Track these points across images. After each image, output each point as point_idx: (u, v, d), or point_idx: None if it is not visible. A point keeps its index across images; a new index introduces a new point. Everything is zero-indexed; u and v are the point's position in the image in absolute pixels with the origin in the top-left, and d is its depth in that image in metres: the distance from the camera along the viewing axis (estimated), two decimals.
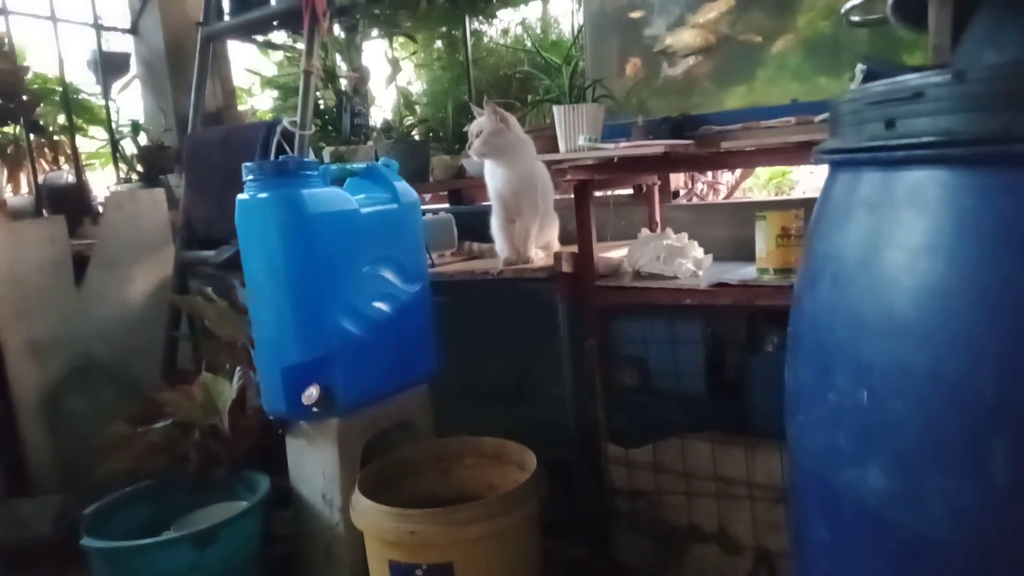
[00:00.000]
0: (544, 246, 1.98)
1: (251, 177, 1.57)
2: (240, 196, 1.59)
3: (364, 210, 1.68)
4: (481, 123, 1.77)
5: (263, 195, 1.55)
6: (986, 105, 0.61)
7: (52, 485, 2.25)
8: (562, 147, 1.73)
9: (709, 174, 2.52)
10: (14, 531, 2.05)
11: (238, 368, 1.91)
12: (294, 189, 1.56)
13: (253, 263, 1.62)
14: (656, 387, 1.85)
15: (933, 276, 0.64)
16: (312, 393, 1.60)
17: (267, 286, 1.60)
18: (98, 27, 2.99)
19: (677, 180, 2.38)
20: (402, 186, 1.81)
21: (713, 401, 1.77)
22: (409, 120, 3.05)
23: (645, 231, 1.91)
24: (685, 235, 1.85)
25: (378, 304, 1.71)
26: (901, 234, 0.67)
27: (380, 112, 3.15)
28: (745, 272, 1.68)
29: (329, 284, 1.60)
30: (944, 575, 0.64)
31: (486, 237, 2.05)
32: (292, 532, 1.83)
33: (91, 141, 3.47)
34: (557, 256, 1.80)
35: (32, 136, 2.89)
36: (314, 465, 1.73)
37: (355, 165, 1.82)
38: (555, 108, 1.69)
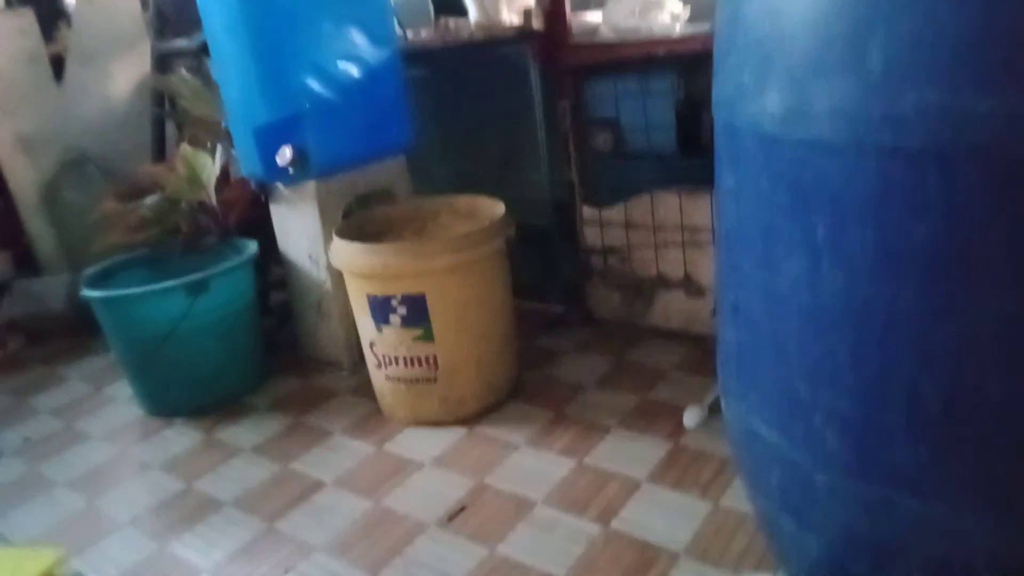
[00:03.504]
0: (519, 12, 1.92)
1: None
2: None
3: None
4: None
5: None
6: None
7: (60, 272, 2.38)
8: None
9: None
10: (31, 307, 2.19)
11: (219, 144, 1.94)
12: None
13: (213, 22, 1.60)
14: (629, 148, 1.87)
15: None
16: (285, 153, 1.64)
17: (229, 45, 1.59)
18: None
19: None
20: None
21: (685, 159, 1.79)
22: None
23: None
24: None
25: (344, 65, 1.70)
26: None
27: None
28: None
29: (290, 39, 1.58)
30: (825, 179, 0.69)
31: (463, 11, 1.98)
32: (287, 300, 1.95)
33: None
34: (527, 12, 1.75)
35: None
36: (298, 228, 1.81)
37: None
38: None
